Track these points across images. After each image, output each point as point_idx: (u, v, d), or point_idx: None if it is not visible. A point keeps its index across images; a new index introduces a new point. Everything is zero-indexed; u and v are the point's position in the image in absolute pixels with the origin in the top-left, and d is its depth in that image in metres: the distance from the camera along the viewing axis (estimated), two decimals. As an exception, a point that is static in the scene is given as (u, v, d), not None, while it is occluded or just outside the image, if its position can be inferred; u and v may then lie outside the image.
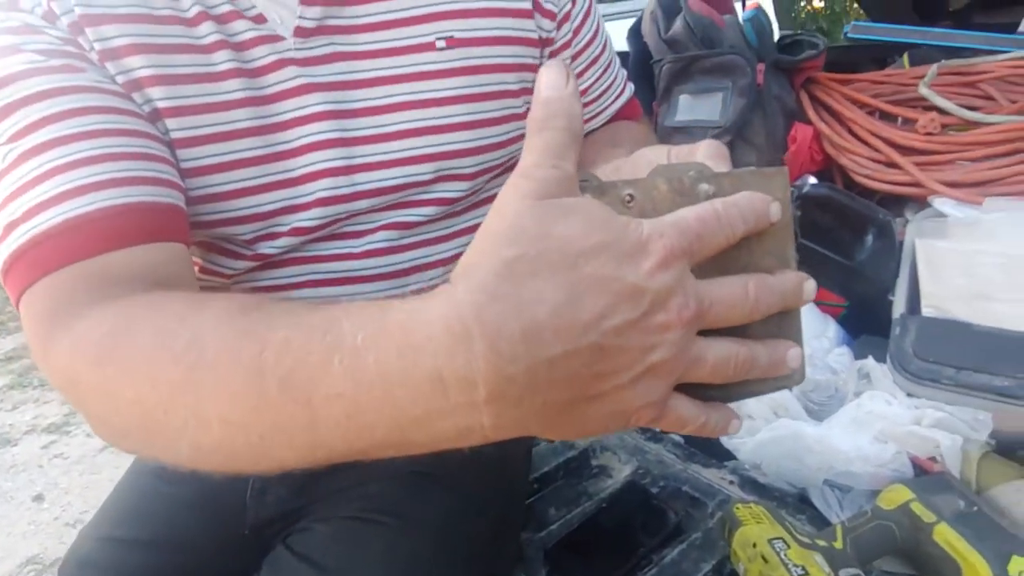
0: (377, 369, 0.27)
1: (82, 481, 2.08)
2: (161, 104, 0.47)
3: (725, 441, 0.80)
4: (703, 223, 0.28)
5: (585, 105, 0.64)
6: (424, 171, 0.52)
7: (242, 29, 0.49)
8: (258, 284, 0.55)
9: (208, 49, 0.48)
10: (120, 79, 0.46)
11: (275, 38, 0.49)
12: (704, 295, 0.28)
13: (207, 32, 0.48)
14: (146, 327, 0.34)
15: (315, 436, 0.29)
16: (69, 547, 0.59)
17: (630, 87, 0.70)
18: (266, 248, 0.53)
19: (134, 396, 0.33)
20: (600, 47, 0.64)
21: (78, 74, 0.44)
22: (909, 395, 0.69)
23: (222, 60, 0.48)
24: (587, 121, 0.65)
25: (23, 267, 0.40)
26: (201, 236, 0.53)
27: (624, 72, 0.70)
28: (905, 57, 1.19)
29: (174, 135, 0.48)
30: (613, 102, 0.67)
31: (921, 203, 0.82)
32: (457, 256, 0.58)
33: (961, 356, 0.66)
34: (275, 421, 0.29)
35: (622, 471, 0.82)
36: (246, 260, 0.54)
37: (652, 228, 0.27)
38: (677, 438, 0.87)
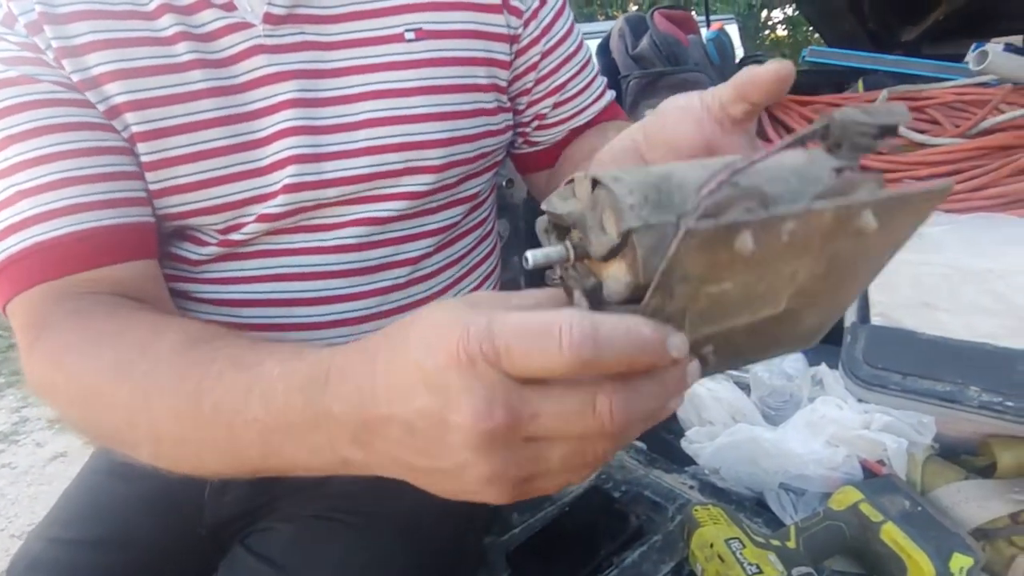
0: (285, 399, 0.31)
1: (30, 492, 2.00)
2: (120, 99, 0.48)
3: (686, 446, 0.82)
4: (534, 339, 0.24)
5: (563, 103, 0.64)
6: (392, 161, 0.53)
7: (210, 19, 0.49)
8: (224, 275, 0.55)
9: (169, 41, 0.49)
10: (76, 77, 0.47)
11: (245, 25, 0.50)
12: (523, 406, 0.24)
13: (168, 24, 0.49)
14: (109, 354, 0.40)
15: (238, 454, 0.34)
16: (17, 549, 0.57)
17: (611, 93, 0.70)
18: (234, 235, 0.53)
19: (100, 413, 0.39)
20: (574, 45, 0.64)
21: (36, 85, 0.46)
22: (859, 400, 0.71)
23: (184, 51, 0.49)
24: (567, 120, 0.65)
25: (3, 282, 0.45)
26: (170, 227, 0.53)
27: (604, 79, 0.70)
28: (860, 83, 1.25)
29: (135, 129, 0.48)
30: (594, 102, 0.67)
31: (872, 218, 0.85)
32: (424, 256, 0.59)
33: (907, 363, 0.69)
34: (209, 439, 0.35)
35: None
36: (214, 247, 0.53)
37: (480, 332, 0.24)
38: (640, 444, 0.88)
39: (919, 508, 0.62)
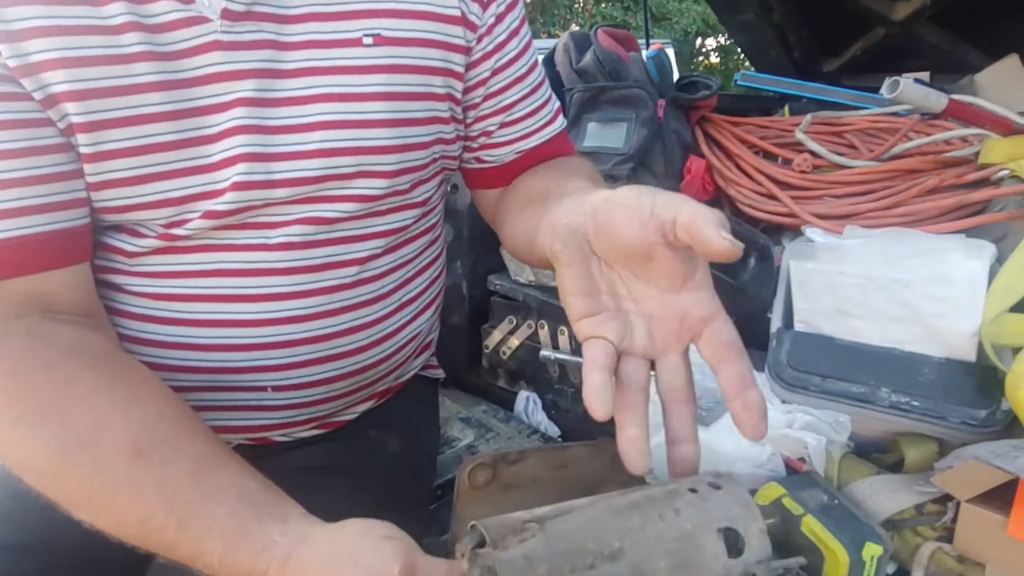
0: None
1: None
2: (60, 88, 0.46)
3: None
4: None
5: (509, 123, 0.63)
6: (344, 164, 0.53)
7: (164, 11, 0.48)
8: (162, 269, 0.53)
9: (117, 31, 0.47)
10: (13, 63, 0.45)
11: (201, 20, 0.48)
12: None
13: (116, 13, 0.47)
14: (53, 433, 0.41)
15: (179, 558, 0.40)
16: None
17: (562, 120, 0.68)
18: (176, 230, 0.51)
19: (37, 477, 0.42)
20: (526, 67, 0.63)
21: None
22: (784, 401, 0.76)
23: (132, 42, 0.47)
24: (513, 141, 0.64)
25: None
26: (108, 221, 0.51)
27: (557, 103, 0.68)
28: (786, 108, 1.34)
29: (74, 119, 0.46)
30: (545, 125, 0.65)
31: (795, 231, 0.91)
32: (372, 257, 0.59)
33: (825, 366, 0.74)
34: (147, 544, 0.41)
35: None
36: (152, 239, 0.51)
37: None
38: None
39: (836, 502, 0.67)
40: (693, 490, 0.37)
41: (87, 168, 0.48)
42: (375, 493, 0.59)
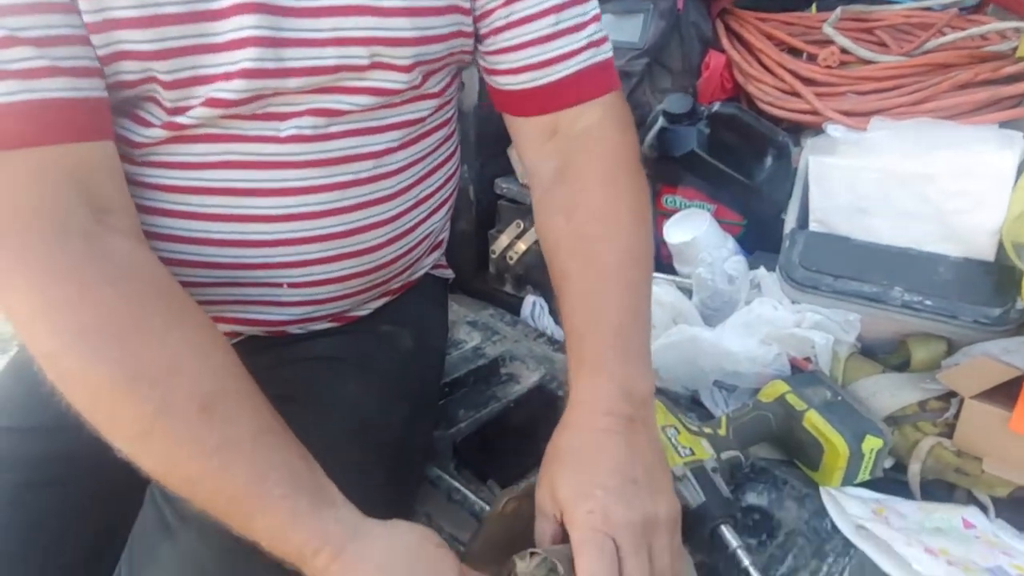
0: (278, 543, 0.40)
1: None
2: None
3: None
4: None
5: (520, 46, 0.55)
6: (358, 55, 0.50)
7: None
8: (171, 159, 0.51)
9: None
10: None
11: None
12: None
13: None
14: (115, 355, 0.39)
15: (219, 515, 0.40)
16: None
17: (603, 51, 0.57)
18: (182, 118, 0.48)
19: (90, 398, 0.40)
20: None
21: None
22: (793, 302, 0.75)
23: None
24: (526, 68, 0.55)
25: None
26: (116, 98, 0.48)
27: (595, 30, 0.57)
28: (813, 7, 1.26)
29: None
30: (562, 58, 0.55)
31: (817, 131, 0.87)
32: (388, 151, 0.57)
33: (839, 266, 0.72)
34: (190, 496, 0.40)
35: (530, 378, 0.85)
36: (158, 129, 0.49)
37: None
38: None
39: (839, 398, 0.67)
40: None
41: (93, 40, 0.45)
42: (387, 384, 0.60)
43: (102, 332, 0.39)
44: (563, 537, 0.43)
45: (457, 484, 0.65)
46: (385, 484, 0.53)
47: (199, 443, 0.39)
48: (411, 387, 0.64)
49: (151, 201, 0.51)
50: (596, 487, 0.41)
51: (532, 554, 0.40)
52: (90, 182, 0.44)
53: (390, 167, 0.57)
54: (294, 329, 0.60)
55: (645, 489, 0.42)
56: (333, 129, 0.52)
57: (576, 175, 0.56)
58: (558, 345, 0.92)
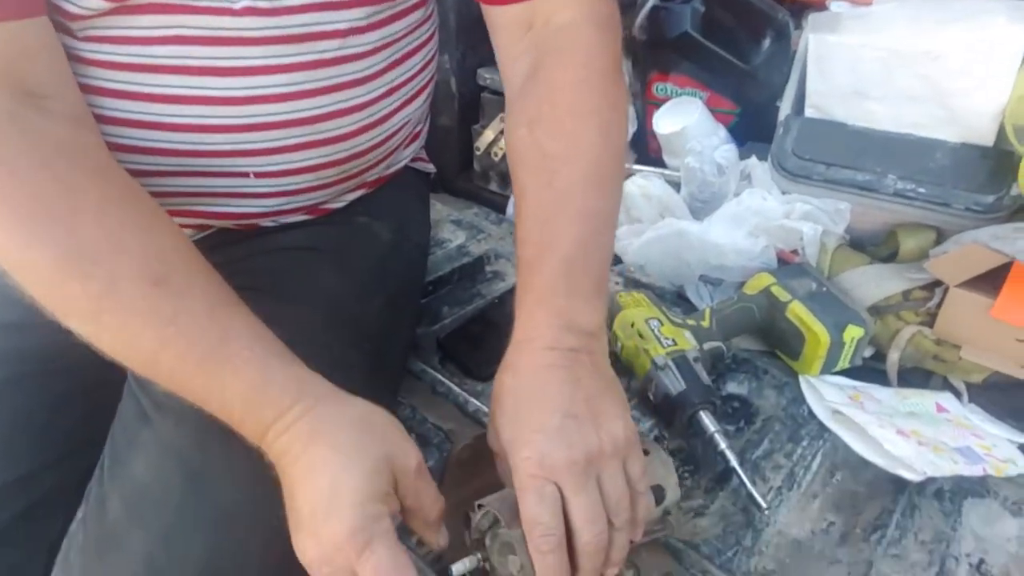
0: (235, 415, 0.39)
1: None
2: None
3: (615, 245, 0.84)
4: None
5: None
6: None
7: None
8: (114, 34, 0.46)
9: None
10: None
11: None
12: None
13: None
14: (61, 235, 0.38)
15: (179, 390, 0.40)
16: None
17: None
18: None
19: (37, 283, 0.38)
20: None
21: None
22: (784, 192, 0.73)
23: None
24: None
25: None
26: None
27: None
28: None
29: None
30: None
31: (820, 8, 0.81)
32: (354, 31, 0.52)
33: (833, 154, 0.70)
34: (153, 373, 0.40)
35: (515, 275, 0.84)
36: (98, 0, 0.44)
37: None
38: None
39: (824, 289, 0.67)
40: None
41: None
42: (365, 276, 0.58)
43: (36, 215, 0.38)
44: None
45: (441, 377, 0.65)
46: (365, 377, 0.53)
47: (154, 314, 0.38)
48: (391, 280, 0.62)
49: (96, 80, 0.47)
50: (534, 431, 0.40)
51: (478, 506, 0.41)
52: (18, 65, 0.40)
53: (358, 48, 0.52)
54: (265, 222, 0.57)
55: (588, 423, 0.41)
56: (290, 2, 0.47)
57: (545, 80, 0.51)
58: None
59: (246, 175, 0.52)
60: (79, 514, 0.45)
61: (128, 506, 0.42)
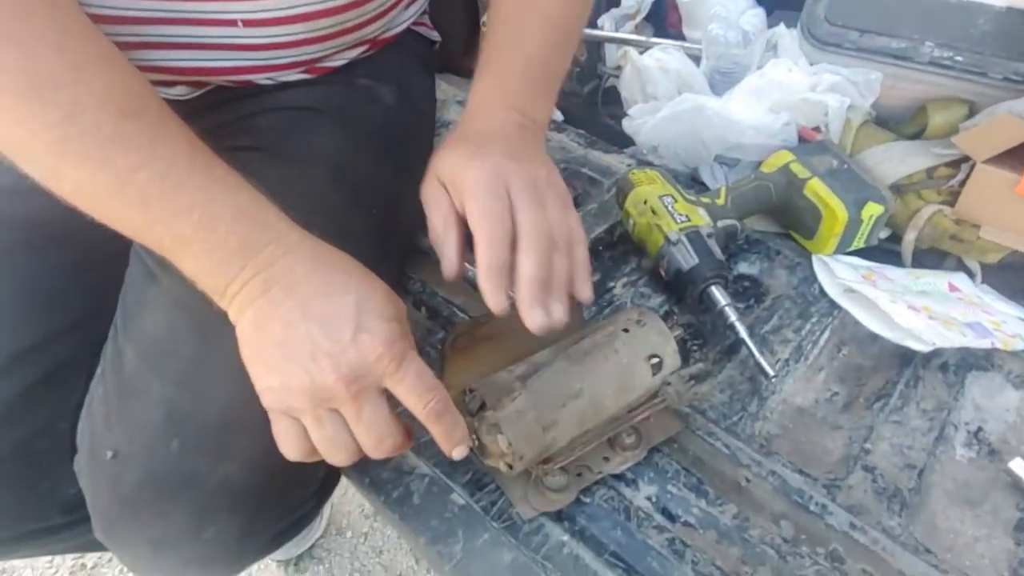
0: (221, 239, 0.36)
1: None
2: None
3: (627, 125, 0.80)
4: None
5: None
6: None
7: None
8: None
9: None
10: None
11: None
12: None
13: None
14: (13, 56, 0.34)
15: (142, 236, 0.37)
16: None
17: None
18: None
19: None
20: None
21: None
22: (811, 63, 0.69)
23: None
24: None
25: None
26: None
27: None
28: None
29: None
30: None
31: None
32: None
33: (868, 20, 0.65)
34: (120, 215, 0.37)
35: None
36: None
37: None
38: (579, 130, 0.86)
39: (845, 166, 0.64)
40: (626, 330, 0.47)
41: None
42: (368, 138, 0.56)
43: None
44: (458, 214, 0.44)
45: (450, 254, 0.64)
46: (372, 243, 0.52)
47: (124, 142, 0.35)
48: (396, 147, 0.60)
49: None
50: (487, 158, 0.43)
51: (469, 390, 0.43)
52: None
53: None
54: (260, 79, 0.54)
55: (535, 158, 0.45)
56: None
57: None
58: (554, 124, 0.87)
59: (234, 23, 0.49)
60: (98, 371, 0.46)
61: (143, 358, 0.42)
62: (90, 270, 0.53)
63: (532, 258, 0.41)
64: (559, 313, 0.42)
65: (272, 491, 0.44)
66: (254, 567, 1.03)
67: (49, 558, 1.03)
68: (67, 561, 1.03)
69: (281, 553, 1.02)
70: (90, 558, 1.04)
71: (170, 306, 0.43)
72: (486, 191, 0.41)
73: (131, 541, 0.43)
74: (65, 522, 0.52)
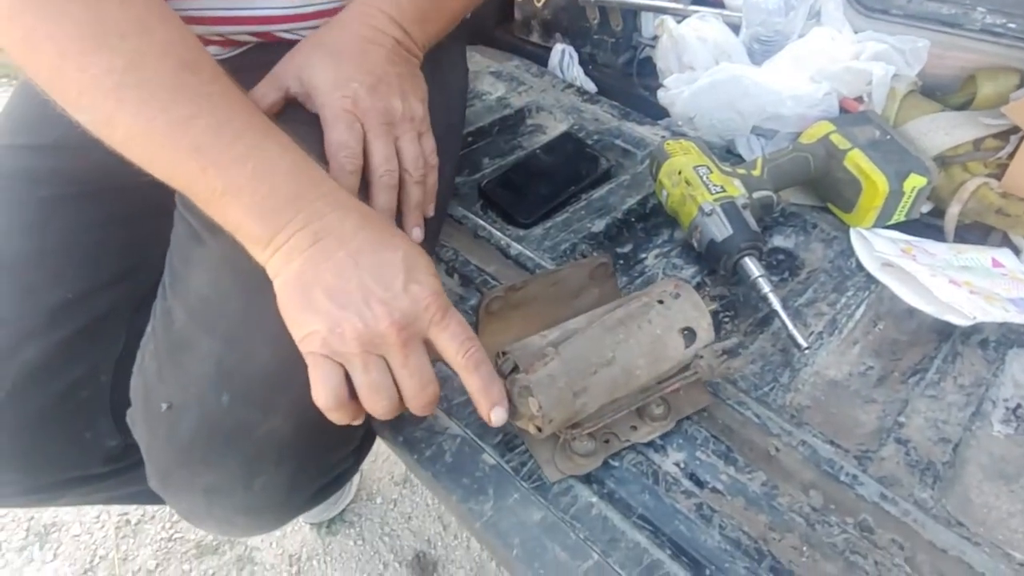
0: (271, 187, 0.38)
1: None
2: None
3: (662, 96, 0.79)
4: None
5: None
6: None
7: None
8: None
9: None
10: None
11: None
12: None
13: None
14: (78, 8, 0.36)
15: (189, 186, 0.38)
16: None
17: None
18: None
19: (54, 62, 0.36)
20: None
21: None
22: (856, 32, 0.67)
23: None
24: None
25: None
26: None
27: None
28: None
29: None
30: None
31: None
32: None
33: (917, -16, 0.63)
34: (169, 162, 0.38)
35: (557, 128, 0.81)
36: None
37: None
38: (613, 101, 0.85)
39: (888, 137, 0.63)
40: (660, 301, 0.47)
41: None
42: None
43: None
44: (284, 108, 0.50)
45: (483, 223, 0.65)
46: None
47: (183, 91, 0.37)
48: (432, 105, 0.61)
49: None
50: (351, 80, 0.46)
51: (503, 353, 0.45)
52: None
53: None
54: (282, 31, 0.55)
55: (396, 91, 0.48)
56: None
57: None
58: (588, 96, 0.86)
59: None
60: (148, 328, 0.48)
61: (192, 315, 0.44)
62: (129, 226, 0.55)
63: (384, 194, 0.47)
64: (417, 237, 0.50)
65: (316, 446, 0.46)
66: (288, 527, 1.07)
67: (96, 514, 1.09)
68: (112, 517, 1.08)
69: (314, 516, 1.06)
70: (134, 515, 1.08)
71: (216, 266, 0.44)
72: (342, 122, 0.45)
73: (185, 489, 0.45)
74: (106, 471, 0.54)
